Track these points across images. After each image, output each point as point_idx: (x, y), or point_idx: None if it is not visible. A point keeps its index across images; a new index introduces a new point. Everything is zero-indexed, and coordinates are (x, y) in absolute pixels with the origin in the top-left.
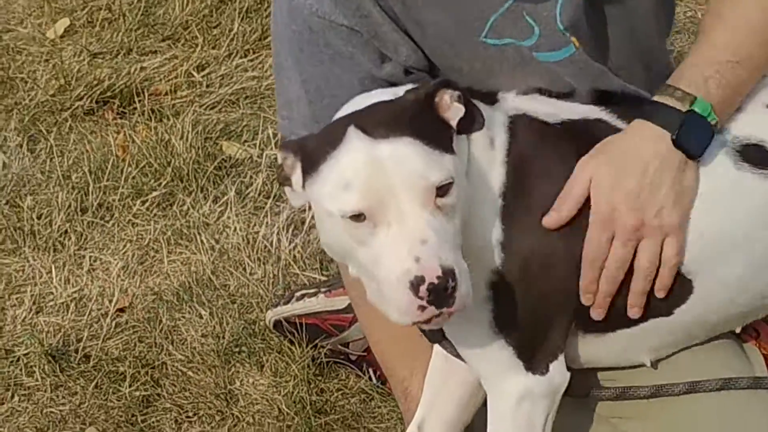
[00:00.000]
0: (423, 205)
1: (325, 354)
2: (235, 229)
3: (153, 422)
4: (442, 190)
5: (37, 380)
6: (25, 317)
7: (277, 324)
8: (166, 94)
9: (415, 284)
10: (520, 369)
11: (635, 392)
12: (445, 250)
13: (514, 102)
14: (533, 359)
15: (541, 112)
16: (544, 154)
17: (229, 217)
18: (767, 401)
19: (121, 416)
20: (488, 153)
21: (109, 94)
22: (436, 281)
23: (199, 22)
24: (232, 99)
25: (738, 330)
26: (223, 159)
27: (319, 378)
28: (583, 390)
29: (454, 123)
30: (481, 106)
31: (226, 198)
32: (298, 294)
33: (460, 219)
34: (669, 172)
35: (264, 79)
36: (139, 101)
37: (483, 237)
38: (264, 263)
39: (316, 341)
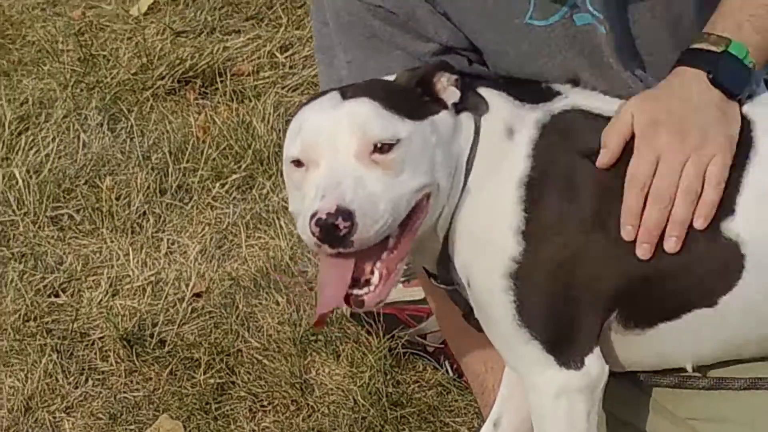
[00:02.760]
0: (357, 155)
1: (403, 345)
2: None
3: (227, 410)
4: (383, 148)
5: (111, 365)
6: (101, 300)
7: (354, 313)
8: (249, 74)
9: (310, 219)
10: (552, 364)
11: (694, 383)
12: (360, 196)
13: (571, 98)
14: (565, 354)
15: (594, 106)
16: (579, 149)
17: None
18: None
19: (195, 404)
20: (503, 143)
21: (191, 73)
22: (324, 217)
23: (284, 2)
24: (314, 81)
25: None
26: None
27: (396, 369)
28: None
29: (449, 103)
30: (507, 103)
31: None
32: None
33: (416, 181)
34: (711, 106)
35: None
36: (221, 82)
37: (502, 224)
38: None
39: (394, 332)
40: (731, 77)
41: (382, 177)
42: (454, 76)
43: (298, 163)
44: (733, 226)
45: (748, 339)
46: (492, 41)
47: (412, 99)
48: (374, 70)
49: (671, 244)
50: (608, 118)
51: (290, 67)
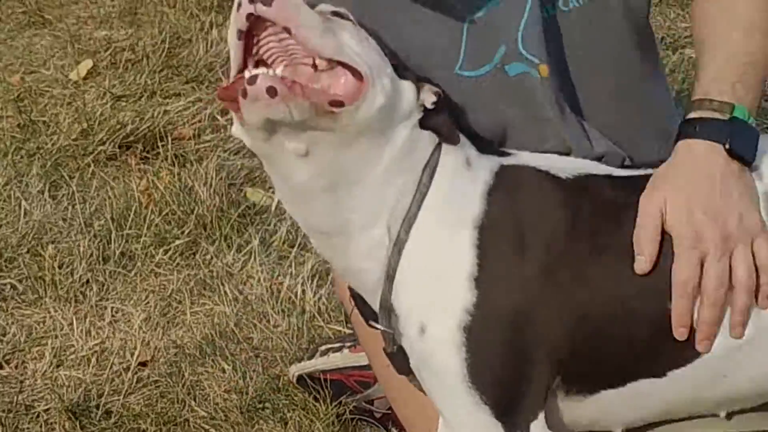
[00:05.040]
0: None
1: (350, 411)
2: (259, 279)
3: None
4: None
5: None
6: (45, 371)
7: (301, 379)
8: (190, 138)
9: None
10: (499, 430)
11: None
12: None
13: (519, 156)
14: (513, 420)
15: (544, 164)
16: (539, 199)
17: (252, 267)
18: None
19: None
20: (464, 173)
21: (132, 138)
22: None
23: (224, 64)
24: None
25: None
26: (247, 206)
27: None
28: None
29: (427, 103)
30: (475, 151)
31: (249, 247)
32: (322, 348)
33: (360, 53)
34: (733, 179)
35: None
36: (163, 146)
37: (454, 269)
38: (288, 315)
39: (341, 398)
40: (746, 144)
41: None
42: (438, 89)
43: None
44: None
45: (682, 407)
46: None
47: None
48: None
49: (739, 333)
50: (557, 178)
51: None
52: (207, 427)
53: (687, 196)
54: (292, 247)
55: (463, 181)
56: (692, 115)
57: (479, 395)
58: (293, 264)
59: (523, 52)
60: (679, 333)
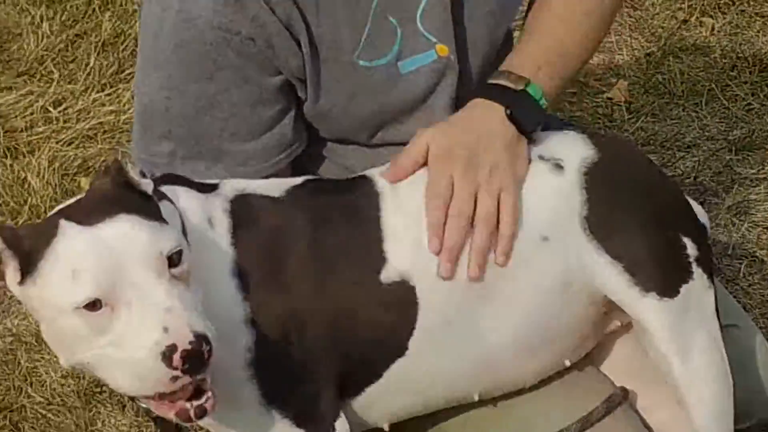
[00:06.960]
0: (159, 276)
1: None
2: None
3: None
4: (173, 260)
5: None
6: None
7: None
8: (22, 130)
9: (168, 354)
10: None
11: None
12: (193, 316)
13: (233, 185)
14: (315, 424)
15: (262, 186)
16: (274, 227)
17: None
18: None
19: None
20: (208, 232)
21: None
22: (189, 347)
23: (55, 57)
24: (89, 134)
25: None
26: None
27: None
28: None
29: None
30: (194, 194)
31: None
32: None
33: (198, 287)
34: (502, 139)
35: (122, 113)
36: None
37: (228, 318)
38: None
39: None
40: (527, 115)
41: (186, 291)
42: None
43: (93, 305)
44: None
45: (437, 387)
46: (324, 72)
47: (142, 202)
48: (219, 104)
49: (475, 272)
50: (273, 198)
51: (64, 122)
52: (44, 412)
53: (453, 136)
54: None
55: (210, 240)
56: (492, 80)
57: (277, 410)
58: None
59: (421, 29)
60: (433, 244)
